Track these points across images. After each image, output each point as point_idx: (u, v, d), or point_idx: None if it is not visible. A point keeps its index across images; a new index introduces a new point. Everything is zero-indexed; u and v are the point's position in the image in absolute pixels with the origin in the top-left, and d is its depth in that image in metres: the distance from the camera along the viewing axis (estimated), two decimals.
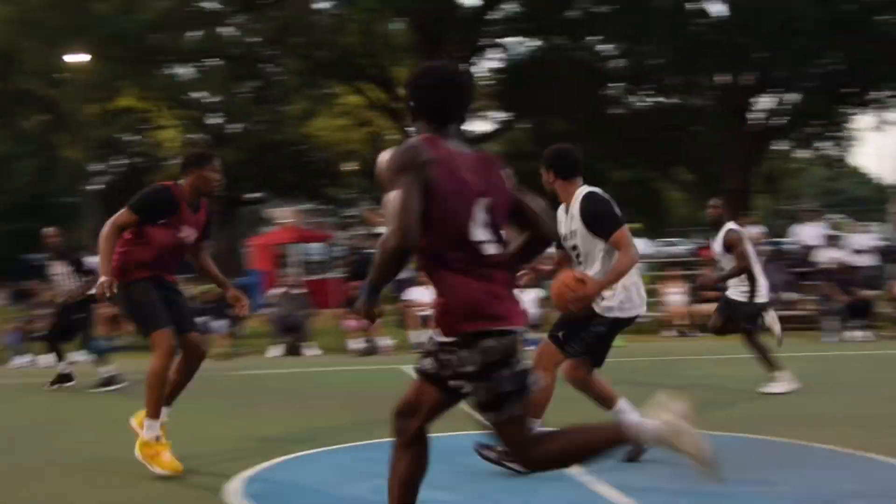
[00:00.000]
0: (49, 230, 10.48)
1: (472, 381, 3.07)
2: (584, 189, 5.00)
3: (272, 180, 30.32)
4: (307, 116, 30.17)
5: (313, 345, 13.65)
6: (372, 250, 16.09)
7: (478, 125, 28.50)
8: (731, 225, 7.98)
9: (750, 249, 7.92)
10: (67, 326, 10.13)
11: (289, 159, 29.47)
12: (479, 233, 3.15)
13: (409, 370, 10.04)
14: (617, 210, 4.92)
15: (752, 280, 7.84)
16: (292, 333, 13.68)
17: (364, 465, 5.41)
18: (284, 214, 28.69)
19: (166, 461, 5.14)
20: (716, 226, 8.06)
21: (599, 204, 4.91)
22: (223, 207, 28.53)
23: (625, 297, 4.97)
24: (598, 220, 4.85)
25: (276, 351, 13.48)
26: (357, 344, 13.26)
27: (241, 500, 4.56)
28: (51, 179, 36.42)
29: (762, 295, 7.93)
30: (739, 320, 8.04)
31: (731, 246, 7.83)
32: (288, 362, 12.67)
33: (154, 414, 5.18)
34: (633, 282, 5.00)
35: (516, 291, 3.23)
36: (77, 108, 27.97)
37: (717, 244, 8.06)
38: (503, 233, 3.25)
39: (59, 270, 10.05)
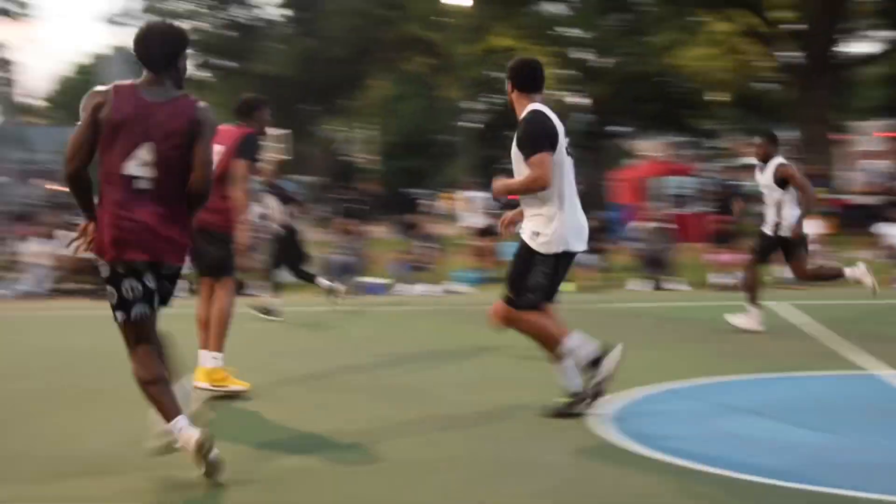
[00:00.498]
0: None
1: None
2: (533, 106, 4.81)
3: (637, 113, 30.18)
4: (674, 46, 29.55)
5: (680, 280, 13.62)
6: (739, 182, 15.60)
7: (860, 46, 26.30)
8: (780, 159, 8.15)
9: (791, 182, 8.05)
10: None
11: (655, 91, 29.13)
12: (135, 170, 3.76)
13: (770, 305, 9.73)
14: (552, 133, 4.70)
15: (807, 211, 8.07)
16: (656, 267, 13.75)
17: (726, 399, 5.46)
18: (650, 147, 28.57)
19: (236, 380, 5.76)
20: (766, 161, 8.21)
21: (533, 123, 4.74)
22: (587, 141, 28.96)
23: (554, 232, 4.75)
24: (525, 138, 4.72)
25: (639, 285, 13.64)
26: (721, 278, 13.06)
27: (607, 430, 4.76)
28: (431, 119, 39.01)
29: (784, 229, 8.08)
30: (756, 247, 8.40)
31: (784, 178, 8.01)
32: (652, 296, 12.77)
33: (221, 347, 5.73)
34: (563, 214, 4.74)
35: (170, 224, 3.81)
36: (456, 49, 29.62)
37: (765, 178, 8.19)
38: (170, 171, 3.79)
39: (271, 203, 10.63)
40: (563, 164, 4.75)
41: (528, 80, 4.91)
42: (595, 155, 30.18)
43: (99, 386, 6.21)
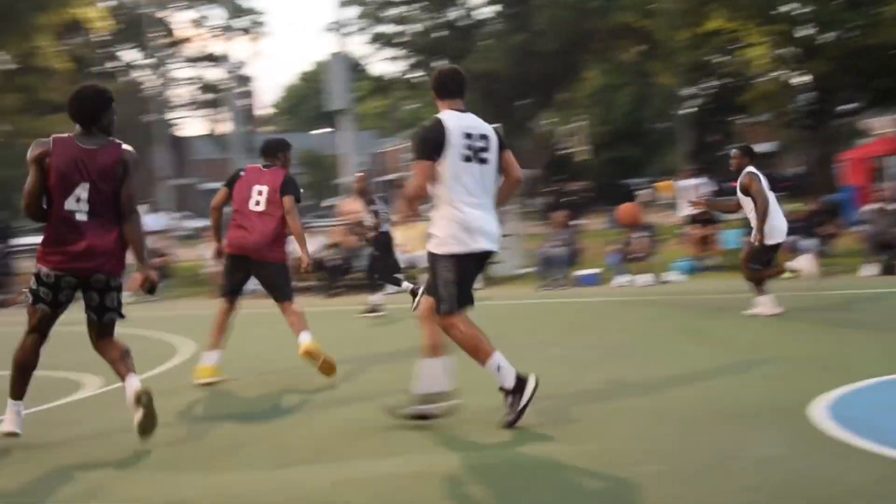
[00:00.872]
0: (357, 174, 11.56)
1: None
2: (440, 113, 4.93)
3: (868, 89, 28.33)
4: None
5: None
6: None
7: None
8: (749, 168, 8.71)
9: (765, 191, 8.58)
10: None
11: (887, 64, 27.24)
12: (73, 205, 4.68)
13: None
14: (437, 140, 4.77)
15: (762, 221, 8.53)
16: (888, 251, 12.96)
17: None
18: (882, 124, 26.71)
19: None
20: (739, 172, 8.79)
21: (424, 130, 4.93)
22: (810, 120, 27.53)
23: (446, 233, 4.82)
24: (413, 144, 4.88)
25: (870, 270, 12.90)
26: None
27: (826, 421, 4.62)
28: (645, 107, 38.37)
29: (774, 237, 8.64)
30: (749, 261, 8.86)
31: (745, 188, 8.62)
32: (883, 282, 12.05)
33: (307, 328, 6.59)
34: (453, 215, 4.80)
35: (109, 245, 4.73)
36: (669, 35, 28.96)
37: (738, 188, 8.79)
38: (103, 204, 4.71)
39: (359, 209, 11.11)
40: (458, 168, 4.80)
41: (439, 88, 5.03)
42: (818, 134, 28.64)
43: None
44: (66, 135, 4.82)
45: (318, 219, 30.81)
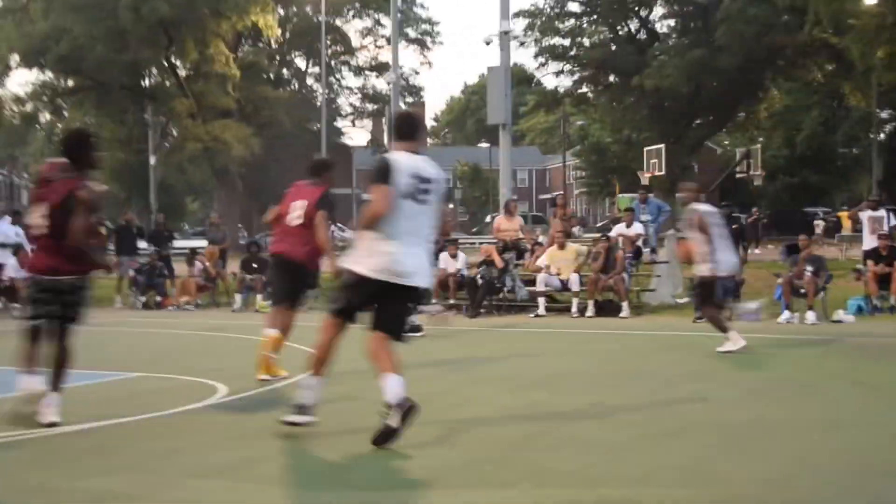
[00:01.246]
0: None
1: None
2: (390, 153, 5.22)
3: None
4: None
5: None
6: None
7: None
8: (695, 206, 9.04)
9: (712, 226, 8.93)
10: None
11: None
12: (37, 220, 5.56)
13: None
14: (389, 172, 4.98)
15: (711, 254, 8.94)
16: None
17: None
18: None
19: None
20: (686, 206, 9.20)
21: (376, 164, 5.17)
22: None
23: (361, 254, 5.06)
24: (370, 175, 5.17)
25: None
26: None
27: None
28: (835, 130, 35.80)
29: (721, 269, 9.03)
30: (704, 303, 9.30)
31: (700, 225, 8.87)
32: None
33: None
34: (373, 244, 5.01)
35: (55, 256, 5.52)
36: (865, 52, 26.74)
37: (688, 224, 9.11)
38: (60, 219, 5.45)
39: None
40: (397, 203, 4.99)
41: (395, 130, 5.40)
42: None
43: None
44: (52, 162, 5.82)
45: (473, 235, 30.31)
